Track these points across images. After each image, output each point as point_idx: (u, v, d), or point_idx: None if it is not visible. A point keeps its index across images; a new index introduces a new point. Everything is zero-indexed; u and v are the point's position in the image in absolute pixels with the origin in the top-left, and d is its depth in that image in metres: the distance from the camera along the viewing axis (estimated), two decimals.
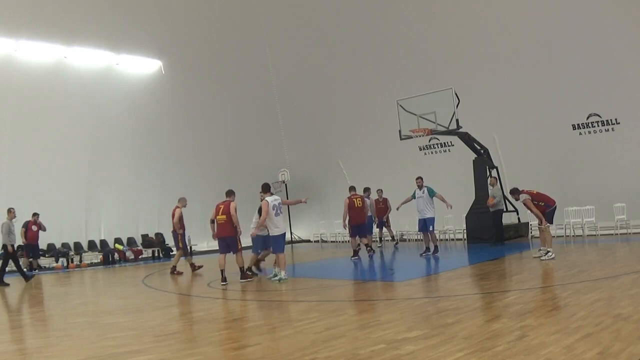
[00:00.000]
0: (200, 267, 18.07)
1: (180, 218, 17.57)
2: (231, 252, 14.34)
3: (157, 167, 26.42)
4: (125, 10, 23.37)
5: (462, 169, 22.09)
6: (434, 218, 17.87)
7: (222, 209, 14.34)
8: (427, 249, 18.04)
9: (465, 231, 21.92)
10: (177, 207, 17.69)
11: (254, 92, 28.21)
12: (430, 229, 17.90)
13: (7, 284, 16.83)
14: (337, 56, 26.01)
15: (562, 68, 20.56)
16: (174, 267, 17.46)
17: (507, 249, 17.97)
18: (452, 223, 23.33)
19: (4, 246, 17.13)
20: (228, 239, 14.30)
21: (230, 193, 14.75)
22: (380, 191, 21.90)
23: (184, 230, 17.74)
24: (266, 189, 14.14)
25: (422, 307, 9.07)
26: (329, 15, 25.30)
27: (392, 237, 23.27)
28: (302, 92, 27.92)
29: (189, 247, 20.21)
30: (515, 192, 15.41)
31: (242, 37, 26.61)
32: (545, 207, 14.92)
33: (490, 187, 20.02)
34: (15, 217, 17.63)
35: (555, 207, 15.30)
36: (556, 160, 21.37)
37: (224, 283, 13.82)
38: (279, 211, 13.72)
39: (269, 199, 13.64)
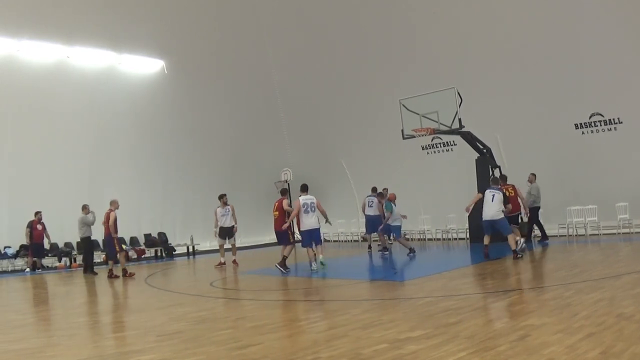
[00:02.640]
0: (132, 274, 17.28)
1: (115, 221, 17.17)
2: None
3: (160, 166, 26.40)
4: (127, 10, 23.39)
5: (465, 168, 22.06)
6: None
7: (276, 206, 16.27)
8: (385, 248, 20.39)
9: (467, 230, 21.89)
10: (110, 210, 17.21)
11: (256, 92, 28.20)
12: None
13: (97, 273, 18.76)
14: (340, 56, 25.99)
15: (564, 67, 20.52)
16: (111, 271, 17.28)
17: (509, 249, 17.93)
18: (454, 222, 23.31)
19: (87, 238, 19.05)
20: (280, 232, 15.97)
21: (284, 192, 17.00)
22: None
23: (117, 233, 17.37)
24: (303, 189, 15.84)
25: (425, 306, 9.07)
26: (331, 15, 25.29)
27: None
28: (305, 92, 27.89)
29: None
30: (497, 182, 16.63)
31: (244, 37, 26.62)
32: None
33: (528, 184, 19.87)
34: (89, 212, 19.08)
35: (518, 214, 17.25)
36: (558, 159, 21.33)
37: (285, 270, 15.26)
38: (309, 209, 15.25)
39: (301, 198, 15.35)
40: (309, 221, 15.26)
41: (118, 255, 17.41)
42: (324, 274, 14.69)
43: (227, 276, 16.11)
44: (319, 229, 15.64)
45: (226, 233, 18.97)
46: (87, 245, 19.39)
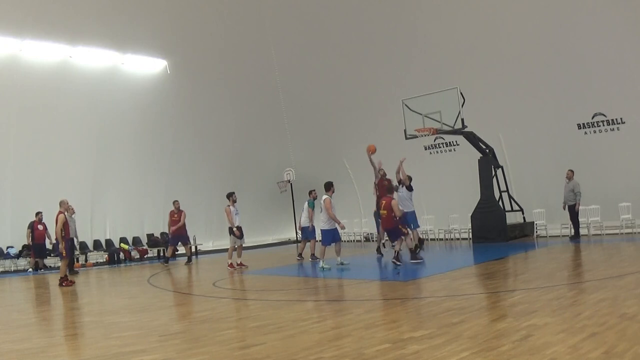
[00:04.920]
0: (70, 283, 15.69)
1: (65, 224, 16.03)
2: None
3: (162, 166, 26.45)
4: (130, 10, 23.39)
5: (468, 168, 22.08)
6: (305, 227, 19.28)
7: (383, 204, 15.89)
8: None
9: (470, 230, 21.90)
10: (60, 212, 16.16)
11: (259, 92, 28.21)
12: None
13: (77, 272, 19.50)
14: (343, 56, 26.00)
15: (567, 67, 20.53)
16: (65, 277, 15.82)
17: (511, 249, 17.97)
18: (457, 222, 23.31)
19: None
20: (391, 229, 15.92)
21: (392, 190, 16.27)
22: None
23: (68, 236, 16.53)
24: (327, 187, 16.02)
25: (427, 306, 9.07)
26: (334, 15, 25.29)
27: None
28: (307, 92, 27.90)
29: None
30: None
31: (247, 37, 26.62)
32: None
33: (566, 180, 19.85)
34: (74, 212, 19.36)
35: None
36: (561, 159, 21.29)
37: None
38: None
39: (328, 196, 15.70)
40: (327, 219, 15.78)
41: (61, 261, 16.21)
42: (328, 273, 14.70)
43: (229, 276, 16.10)
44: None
45: (241, 233, 18.18)
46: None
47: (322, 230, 15.92)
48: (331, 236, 15.80)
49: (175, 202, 21.19)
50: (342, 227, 15.88)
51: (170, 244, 21.58)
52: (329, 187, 16.02)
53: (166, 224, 23.48)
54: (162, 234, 25.49)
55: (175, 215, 20.87)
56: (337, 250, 16.01)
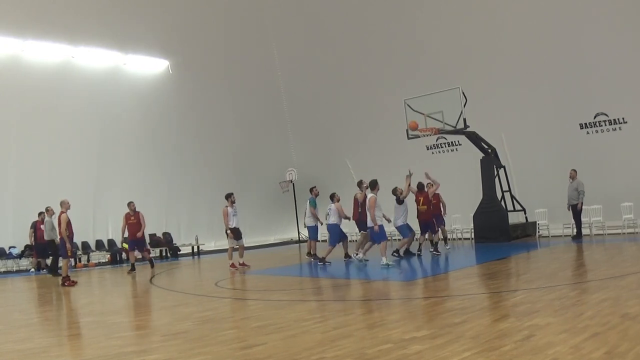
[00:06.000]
0: (72, 283, 15.67)
1: (68, 223, 15.85)
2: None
3: (164, 166, 26.42)
4: (132, 10, 23.42)
5: (470, 168, 22.01)
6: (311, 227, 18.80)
7: (422, 200, 17.68)
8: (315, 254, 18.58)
9: (472, 230, 21.88)
10: (62, 212, 15.86)
11: (261, 92, 28.22)
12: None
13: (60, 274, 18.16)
14: (345, 56, 26.00)
15: (569, 67, 20.50)
16: (67, 277, 15.79)
17: (513, 249, 17.95)
18: (459, 222, 23.28)
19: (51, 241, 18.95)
20: (427, 222, 17.67)
21: (373, 184, 16.22)
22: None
23: (72, 235, 16.19)
24: (373, 185, 15.59)
25: (430, 306, 9.07)
26: (337, 15, 25.30)
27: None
28: (310, 92, 27.91)
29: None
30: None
31: (249, 37, 26.64)
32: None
33: (570, 180, 19.79)
34: (54, 214, 18.61)
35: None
36: (563, 159, 21.24)
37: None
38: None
39: (374, 194, 15.29)
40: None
41: (62, 260, 16.21)
42: (331, 273, 14.69)
43: (232, 276, 16.09)
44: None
45: (239, 234, 17.74)
46: (53, 248, 18.89)
47: (369, 228, 15.56)
48: (385, 232, 15.73)
49: (130, 204, 19.54)
50: (377, 230, 15.25)
51: (129, 249, 20.61)
52: (374, 185, 15.51)
53: (169, 225, 23.66)
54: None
55: (132, 218, 19.42)
56: (357, 246, 16.68)
